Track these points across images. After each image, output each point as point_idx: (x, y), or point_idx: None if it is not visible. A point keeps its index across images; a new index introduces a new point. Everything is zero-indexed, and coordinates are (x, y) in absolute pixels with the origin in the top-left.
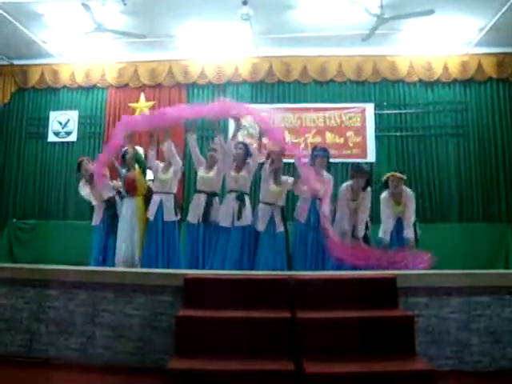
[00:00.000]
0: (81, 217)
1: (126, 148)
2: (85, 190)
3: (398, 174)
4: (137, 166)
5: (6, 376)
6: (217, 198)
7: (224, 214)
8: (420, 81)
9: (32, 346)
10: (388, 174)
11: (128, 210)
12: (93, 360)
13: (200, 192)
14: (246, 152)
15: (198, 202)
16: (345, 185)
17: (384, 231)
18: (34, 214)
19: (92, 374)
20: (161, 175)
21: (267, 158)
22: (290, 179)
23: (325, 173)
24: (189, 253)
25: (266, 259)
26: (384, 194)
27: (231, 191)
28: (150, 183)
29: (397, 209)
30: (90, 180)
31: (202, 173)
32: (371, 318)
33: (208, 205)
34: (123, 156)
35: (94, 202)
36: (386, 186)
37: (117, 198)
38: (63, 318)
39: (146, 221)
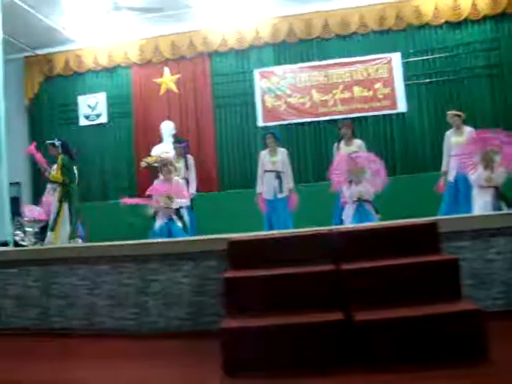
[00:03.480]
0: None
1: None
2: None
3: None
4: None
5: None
6: None
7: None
8: (447, 23)
9: (91, 319)
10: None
11: None
12: (147, 328)
13: None
14: None
15: None
16: None
17: None
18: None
19: (149, 341)
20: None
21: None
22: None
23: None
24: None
25: None
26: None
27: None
28: None
29: None
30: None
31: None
32: (414, 264)
33: None
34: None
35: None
36: None
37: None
38: (116, 291)
39: None
